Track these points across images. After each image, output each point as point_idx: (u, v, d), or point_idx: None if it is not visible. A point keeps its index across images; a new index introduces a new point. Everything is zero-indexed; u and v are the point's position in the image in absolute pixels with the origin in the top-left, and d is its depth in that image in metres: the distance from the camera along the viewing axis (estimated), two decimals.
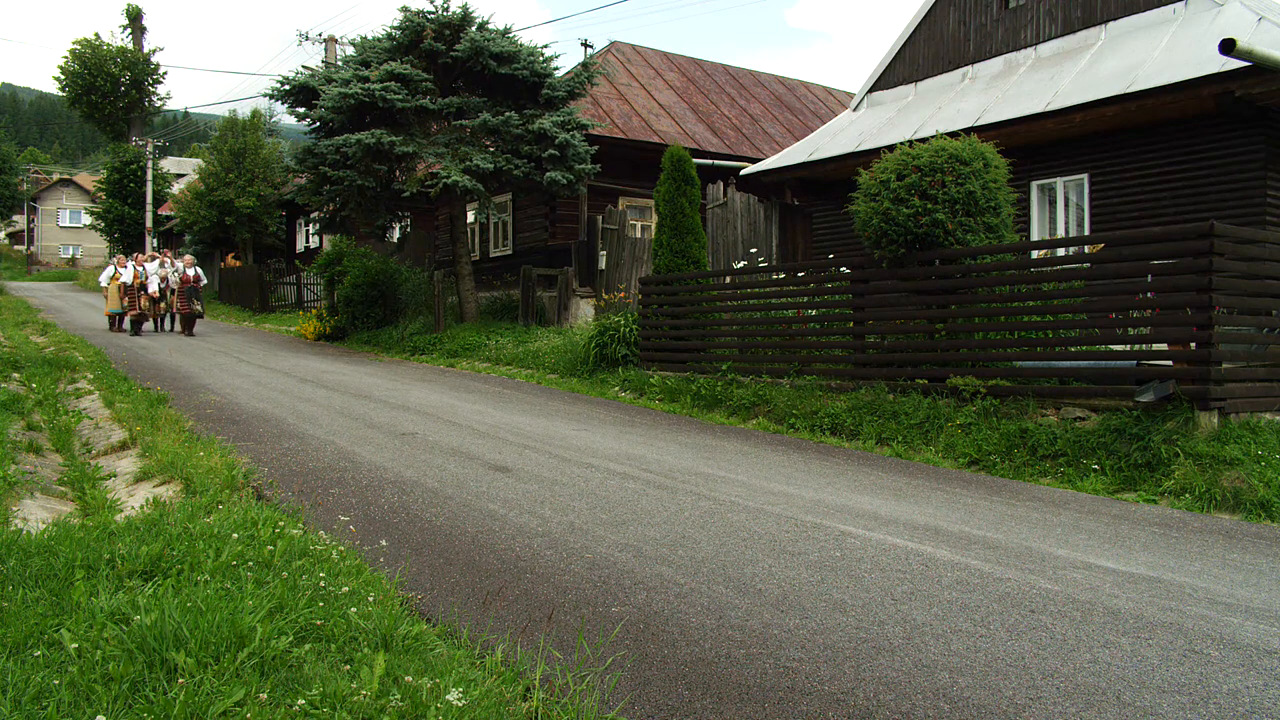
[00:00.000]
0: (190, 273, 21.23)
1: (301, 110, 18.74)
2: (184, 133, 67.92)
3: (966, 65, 14.71)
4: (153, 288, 20.93)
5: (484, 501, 5.83)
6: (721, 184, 17.25)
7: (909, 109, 15.12)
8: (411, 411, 9.82)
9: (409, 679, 2.84)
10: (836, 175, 15.25)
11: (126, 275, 20.73)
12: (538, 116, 17.11)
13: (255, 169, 33.57)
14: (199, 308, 21.47)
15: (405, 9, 17.51)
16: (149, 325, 21.62)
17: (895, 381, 9.00)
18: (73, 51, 44.75)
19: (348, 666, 2.99)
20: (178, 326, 21.70)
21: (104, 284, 21.48)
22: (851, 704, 3.07)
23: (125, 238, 41.11)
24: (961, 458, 7.59)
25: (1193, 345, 6.93)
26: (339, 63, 20.83)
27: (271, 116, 44.96)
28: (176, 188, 43.70)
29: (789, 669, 3.34)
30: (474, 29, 17.33)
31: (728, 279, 12.52)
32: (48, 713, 2.56)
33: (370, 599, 3.59)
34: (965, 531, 5.27)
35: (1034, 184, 13.07)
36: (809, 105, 27.21)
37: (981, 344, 8.63)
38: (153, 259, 21.95)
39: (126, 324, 20.95)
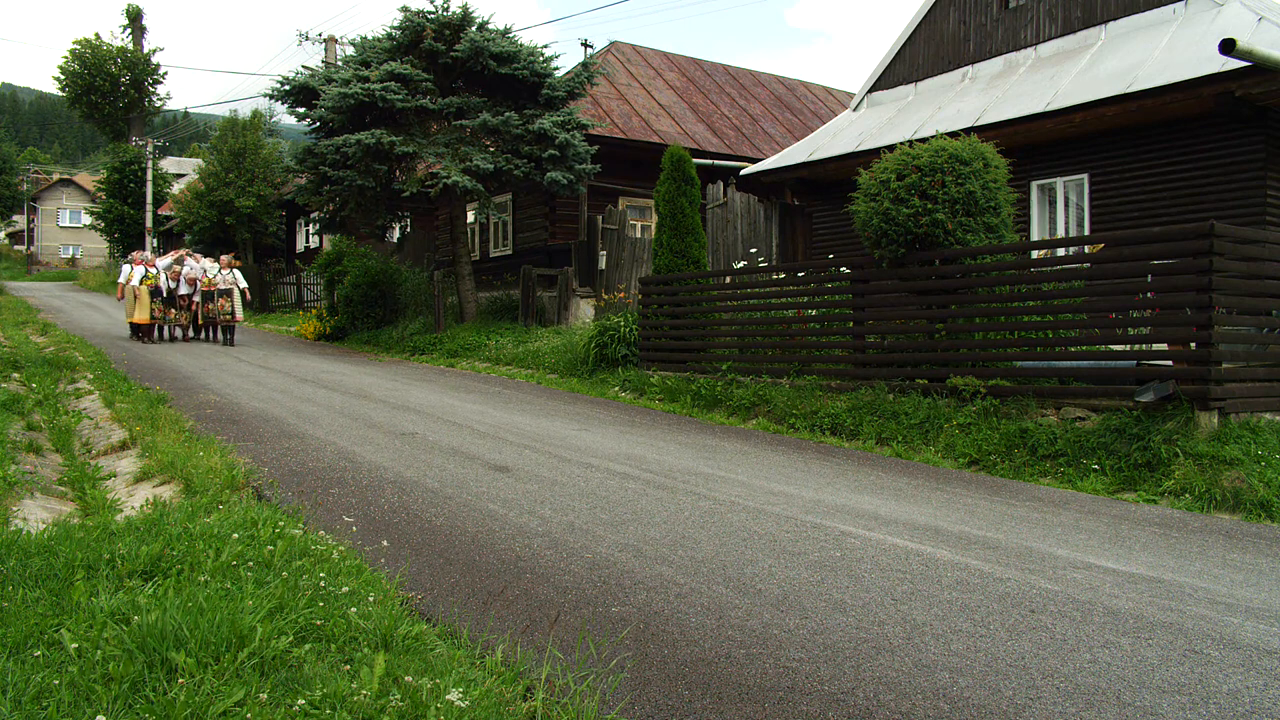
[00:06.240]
0: (228, 275, 18.47)
1: (301, 110, 18.74)
2: (184, 133, 67.90)
3: (966, 65, 14.71)
4: (182, 290, 18.52)
5: (484, 501, 5.83)
6: (721, 184, 17.27)
7: (909, 109, 15.11)
8: (411, 411, 9.82)
9: (409, 679, 2.84)
10: (836, 175, 15.24)
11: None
12: (538, 116, 17.11)
13: (255, 169, 33.57)
14: (229, 309, 18.38)
15: (405, 9, 17.51)
16: (165, 333, 18.97)
17: (895, 381, 8.99)
18: (73, 51, 44.81)
19: (348, 666, 2.99)
20: (218, 335, 18.93)
21: (134, 282, 18.18)
22: (851, 704, 3.07)
23: (125, 238, 41.14)
24: (961, 458, 7.59)
25: (1193, 345, 6.93)
26: (339, 63, 20.82)
27: (271, 116, 44.98)
28: (176, 188, 43.70)
29: (789, 669, 3.34)
30: (474, 29, 17.33)
31: (728, 279, 12.52)
32: (48, 713, 2.56)
33: (370, 599, 3.59)
34: (965, 531, 5.27)
35: (1034, 184, 13.06)
36: (809, 105, 27.21)
37: (981, 344, 8.63)
38: (175, 256, 19.24)
39: (168, 332, 18.88)
